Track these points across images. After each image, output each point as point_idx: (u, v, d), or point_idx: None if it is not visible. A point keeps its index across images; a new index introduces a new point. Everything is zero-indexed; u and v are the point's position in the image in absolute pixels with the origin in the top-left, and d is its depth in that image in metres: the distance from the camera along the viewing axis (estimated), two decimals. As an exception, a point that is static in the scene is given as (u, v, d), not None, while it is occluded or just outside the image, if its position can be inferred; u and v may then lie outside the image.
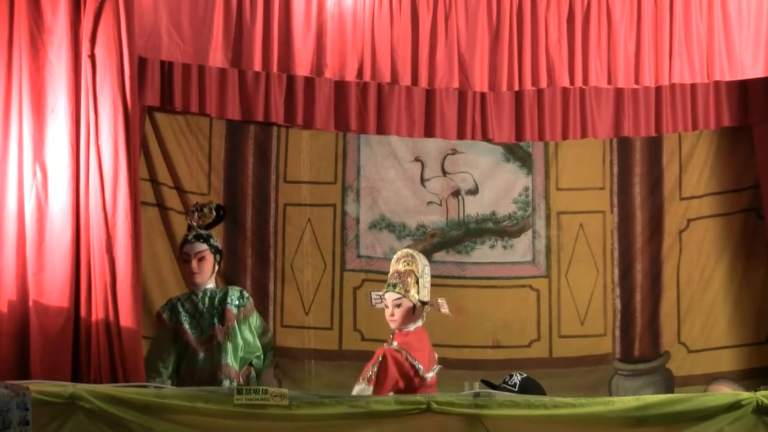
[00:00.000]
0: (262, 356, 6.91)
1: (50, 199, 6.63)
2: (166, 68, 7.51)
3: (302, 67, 7.35)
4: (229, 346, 6.68)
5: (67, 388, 5.56)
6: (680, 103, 8.00)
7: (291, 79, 7.75)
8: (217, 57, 7.23)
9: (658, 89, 7.92)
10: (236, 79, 7.71)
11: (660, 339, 8.60)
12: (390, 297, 6.55)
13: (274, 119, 7.89)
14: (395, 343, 6.46)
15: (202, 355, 6.71)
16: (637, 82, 7.53)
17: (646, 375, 8.51)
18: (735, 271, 8.54)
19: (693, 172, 8.68)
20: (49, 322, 6.55)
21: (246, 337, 6.82)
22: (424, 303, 6.60)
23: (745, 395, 5.58)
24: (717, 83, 7.86)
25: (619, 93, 7.94)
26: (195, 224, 6.96)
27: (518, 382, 6.19)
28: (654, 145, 8.71)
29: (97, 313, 6.61)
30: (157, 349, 6.87)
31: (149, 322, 8.04)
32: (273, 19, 7.27)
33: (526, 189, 8.81)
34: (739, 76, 7.50)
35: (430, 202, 8.78)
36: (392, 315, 6.54)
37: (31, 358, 6.49)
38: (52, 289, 6.58)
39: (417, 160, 8.81)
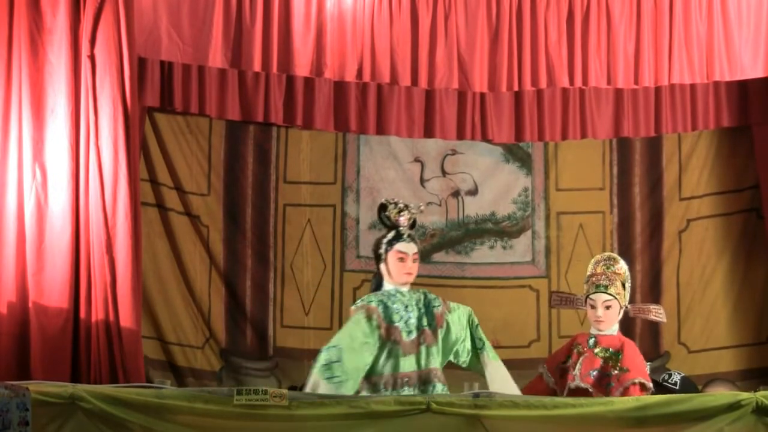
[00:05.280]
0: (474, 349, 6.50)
1: (50, 199, 6.64)
2: (166, 68, 7.51)
3: (302, 67, 7.36)
4: (434, 349, 6.33)
5: (67, 388, 5.55)
6: (680, 104, 8.00)
7: (291, 80, 7.75)
8: (216, 57, 7.24)
9: (658, 90, 7.92)
10: (236, 80, 7.71)
11: (660, 339, 8.59)
12: (600, 298, 6.34)
13: (273, 119, 7.89)
14: (618, 354, 6.27)
15: (406, 358, 6.29)
16: (636, 82, 7.54)
17: (645, 375, 8.51)
18: (735, 271, 8.54)
19: (693, 172, 8.68)
20: (49, 323, 6.56)
21: (444, 338, 6.65)
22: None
23: (744, 395, 5.58)
24: (717, 83, 7.86)
25: (618, 93, 7.95)
26: (405, 224, 6.46)
27: (679, 381, 6.29)
28: (654, 146, 8.71)
29: (97, 314, 6.62)
30: (361, 350, 6.21)
31: (149, 322, 8.06)
32: (273, 20, 7.28)
33: (526, 189, 8.81)
34: (739, 77, 7.51)
35: (429, 203, 8.78)
36: (600, 317, 6.33)
37: (30, 359, 6.50)
38: (52, 290, 6.59)
39: (417, 160, 8.81)
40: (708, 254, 8.62)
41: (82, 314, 6.63)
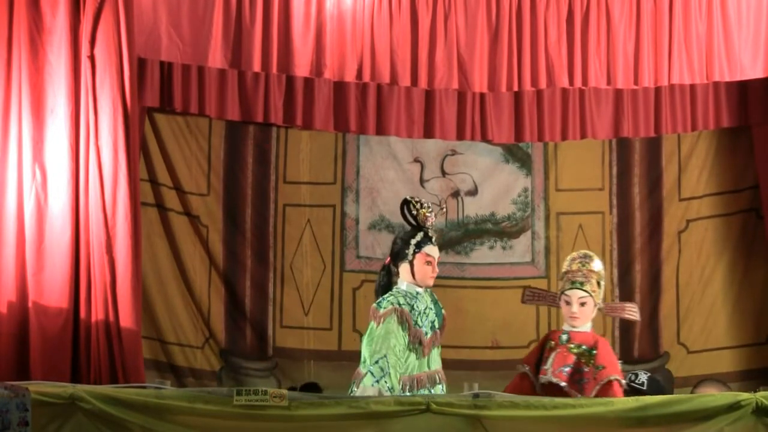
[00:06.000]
0: None
1: (50, 199, 6.64)
2: (166, 69, 7.51)
3: (302, 67, 7.36)
4: (438, 350, 6.29)
5: (67, 388, 5.55)
6: (679, 104, 8.00)
7: (290, 80, 7.75)
8: (216, 57, 7.24)
9: (658, 90, 7.92)
10: (236, 80, 7.71)
11: (659, 340, 8.60)
12: (576, 294, 6.32)
13: (273, 120, 7.89)
14: (592, 351, 6.28)
15: (422, 359, 6.21)
16: (636, 82, 7.54)
17: (645, 375, 8.52)
18: (734, 271, 8.54)
19: (692, 172, 8.68)
20: (49, 323, 6.56)
21: None
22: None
23: (744, 396, 5.57)
24: (716, 84, 7.86)
25: (618, 94, 7.94)
26: (429, 225, 6.41)
27: (646, 381, 6.27)
28: (653, 146, 8.72)
29: (97, 314, 6.62)
30: (400, 356, 6.09)
31: (149, 322, 8.06)
32: (272, 20, 7.28)
33: (526, 190, 8.81)
34: (739, 77, 7.52)
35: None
36: (575, 313, 6.32)
37: (30, 359, 6.50)
38: (52, 290, 6.59)
39: (416, 160, 8.81)
40: (707, 254, 8.62)
41: (82, 314, 6.63)
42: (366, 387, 5.93)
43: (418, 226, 6.34)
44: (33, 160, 6.66)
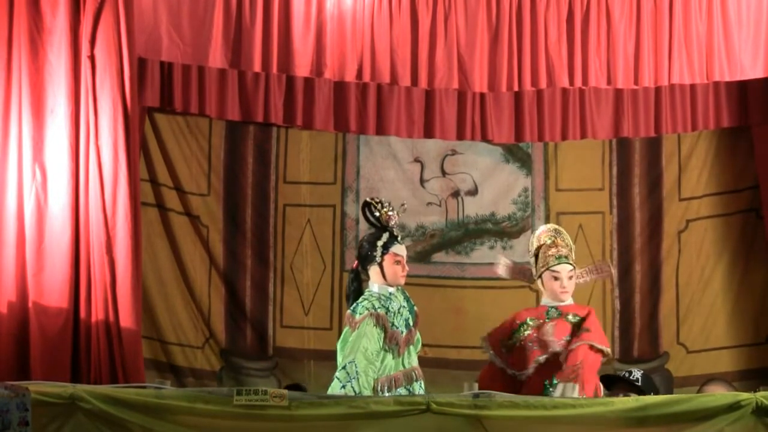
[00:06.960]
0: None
1: (50, 199, 6.64)
2: (166, 69, 7.51)
3: (302, 67, 7.37)
4: (413, 347, 6.30)
5: (67, 388, 5.55)
6: (680, 104, 8.00)
7: (290, 80, 7.75)
8: (216, 57, 7.25)
9: (658, 90, 7.92)
10: (236, 80, 7.71)
11: (659, 339, 8.59)
12: (565, 269, 6.41)
13: (273, 120, 7.89)
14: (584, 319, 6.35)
15: (395, 359, 6.21)
16: (636, 82, 7.55)
17: (645, 375, 8.52)
18: (734, 271, 8.54)
19: (692, 172, 8.68)
20: (49, 323, 6.57)
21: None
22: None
23: (744, 396, 5.57)
24: (716, 84, 7.86)
25: (618, 94, 7.94)
26: (393, 224, 6.41)
27: (640, 377, 6.34)
28: (653, 146, 8.72)
29: (97, 314, 6.62)
30: (374, 359, 6.11)
31: (149, 322, 8.06)
32: (273, 20, 7.28)
33: (526, 190, 8.81)
34: (739, 77, 7.52)
35: (429, 203, 8.78)
36: (566, 287, 6.42)
37: (30, 359, 6.50)
38: (52, 290, 6.59)
39: (416, 160, 8.81)
40: (707, 254, 8.62)
41: (82, 314, 6.63)
42: (334, 392, 5.95)
43: (382, 227, 6.34)
44: (33, 160, 6.66)
